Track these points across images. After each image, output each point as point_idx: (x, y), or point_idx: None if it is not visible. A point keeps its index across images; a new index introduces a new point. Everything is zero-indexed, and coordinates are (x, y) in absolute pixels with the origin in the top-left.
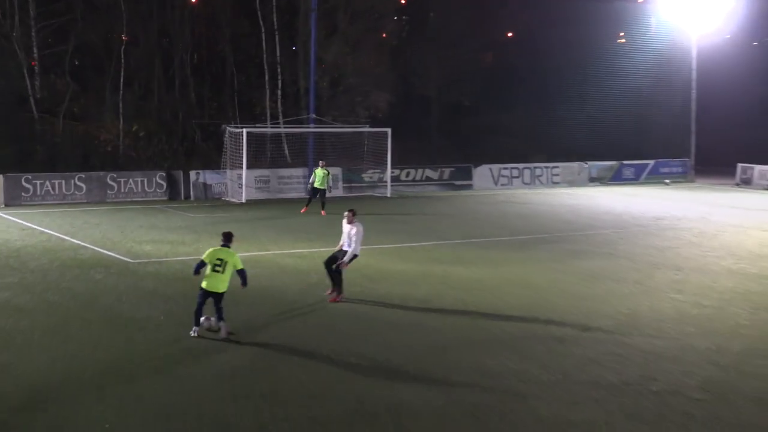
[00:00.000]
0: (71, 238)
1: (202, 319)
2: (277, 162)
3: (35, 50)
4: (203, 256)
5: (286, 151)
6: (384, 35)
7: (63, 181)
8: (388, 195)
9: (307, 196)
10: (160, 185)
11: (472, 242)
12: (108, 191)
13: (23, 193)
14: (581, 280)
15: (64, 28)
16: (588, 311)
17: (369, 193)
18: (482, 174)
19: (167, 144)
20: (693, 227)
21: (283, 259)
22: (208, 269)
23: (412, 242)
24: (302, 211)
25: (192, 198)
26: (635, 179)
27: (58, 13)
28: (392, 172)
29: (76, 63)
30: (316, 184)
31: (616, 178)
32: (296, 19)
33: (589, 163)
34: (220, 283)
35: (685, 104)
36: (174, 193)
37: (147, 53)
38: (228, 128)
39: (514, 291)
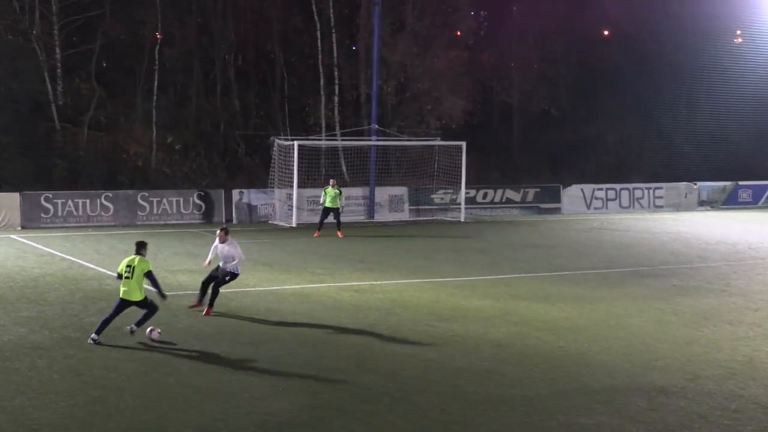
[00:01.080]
0: (96, 266)
1: (147, 330)
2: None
3: (57, 50)
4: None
5: (344, 168)
6: (459, 33)
7: (87, 201)
8: (462, 219)
9: (318, 219)
10: (197, 206)
11: (559, 275)
12: (138, 212)
13: (42, 214)
14: (688, 321)
15: (90, 25)
16: (696, 358)
17: (439, 216)
18: (572, 195)
19: (206, 159)
20: None
21: (338, 294)
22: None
23: (490, 275)
24: (315, 235)
25: (234, 221)
26: (753, 203)
27: (83, 7)
28: (467, 193)
29: (104, 65)
30: (327, 204)
31: (730, 202)
32: (357, 13)
33: (699, 183)
34: (132, 290)
35: None
36: (213, 216)
37: (184, 53)
38: (277, 140)
39: (610, 334)
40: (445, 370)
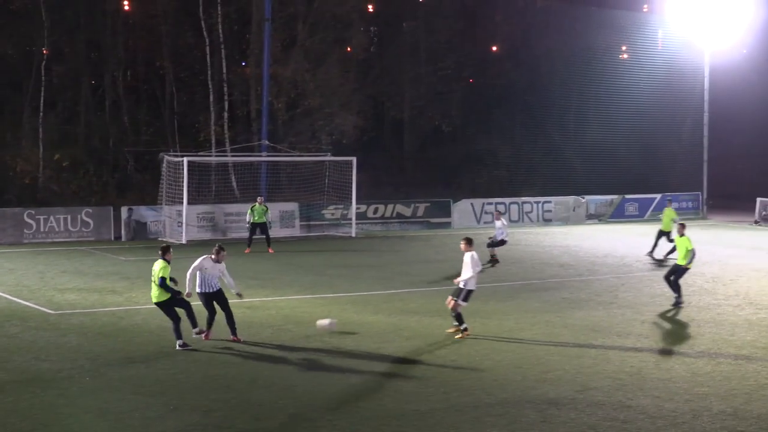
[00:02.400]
0: None
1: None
2: (224, 196)
3: None
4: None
5: (234, 184)
6: (349, 49)
7: None
8: (353, 235)
9: (247, 235)
10: (86, 224)
11: (449, 289)
12: (25, 230)
13: None
14: (578, 333)
15: None
16: (586, 370)
17: (331, 232)
18: (463, 210)
19: (95, 176)
20: (706, 272)
21: (232, 310)
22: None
23: (382, 289)
24: (246, 251)
25: (124, 238)
26: (639, 216)
27: None
28: (358, 208)
29: None
30: (255, 220)
31: (617, 215)
32: (247, 30)
33: (587, 197)
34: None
35: (696, 130)
36: (103, 233)
37: (73, 69)
38: (166, 157)
39: (501, 347)
40: (338, 386)
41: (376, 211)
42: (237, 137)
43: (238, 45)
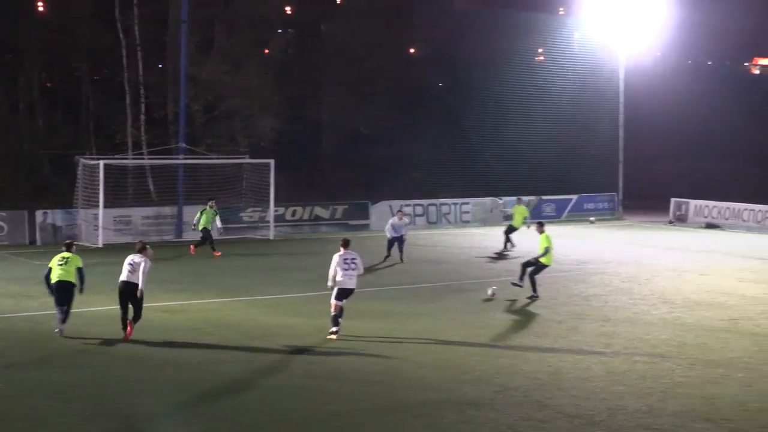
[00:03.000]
0: None
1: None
2: (141, 200)
3: None
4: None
5: (151, 187)
6: (267, 51)
7: None
8: (271, 237)
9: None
10: (0, 227)
11: (371, 292)
12: None
13: None
14: (497, 334)
15: None
16: (505, 370)
17: (249, 235)
18: (381, 212)
19: (9, 179)
20: (622, 272)
21: (149, 314)
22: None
23: (302, 292)
24: (216, 255)
25: (39, 242)
26: (556, 217)
27: None
28: (276, 211)
29: None
30: (204, 224)
31: (534, 216)
32: (164, 31)
33: (504, 198)
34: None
35: (612, 131)
36: (17, 237)
37: None
38: (82, 160)
39: (421, 348)
40: (259, 389)
41: (294, 213)
42: (154, 140)
43: (155, 46)
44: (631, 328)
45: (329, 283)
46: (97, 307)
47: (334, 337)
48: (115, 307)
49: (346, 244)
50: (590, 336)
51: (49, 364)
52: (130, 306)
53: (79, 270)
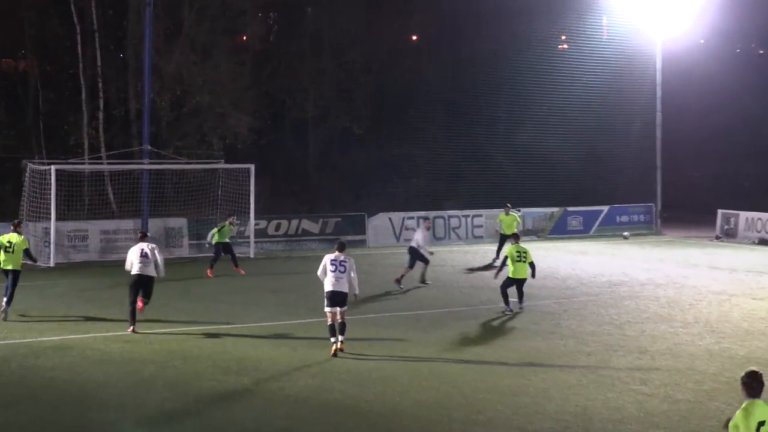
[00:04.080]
0: None
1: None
2: (99, 211)
3: None
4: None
5: (111, 197)
6: (244, 38)
7: None
8: (252, 255)
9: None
10: None
11: (365, 318)
12: None
13: None
14: (514, 368)
15: None
16: (524, 410)
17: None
18: (379, 226)
19: None
20: (661, 295)
21: (107, 345)
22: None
23: (285, 319)
24: (208, 274)
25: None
26: (584, 231)
27: None
28: (256, 224)
29: None
30: (219, 239)
31: (558, 231)
32: (125, 16)
33: (523, 210)
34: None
35: (648, 131)
36: None
37: None
38: (29, 164)
39: (424, 384)
40: None
41: (278, 227)
42: (114, 141)
43: (114, 34)
44: (672, 362)
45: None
46: (48, 337)
47: (334, 348)
48: (69, 337)
49: (341, 248)
50: (624, 370)
51: None
52: None
53: (26, 251)
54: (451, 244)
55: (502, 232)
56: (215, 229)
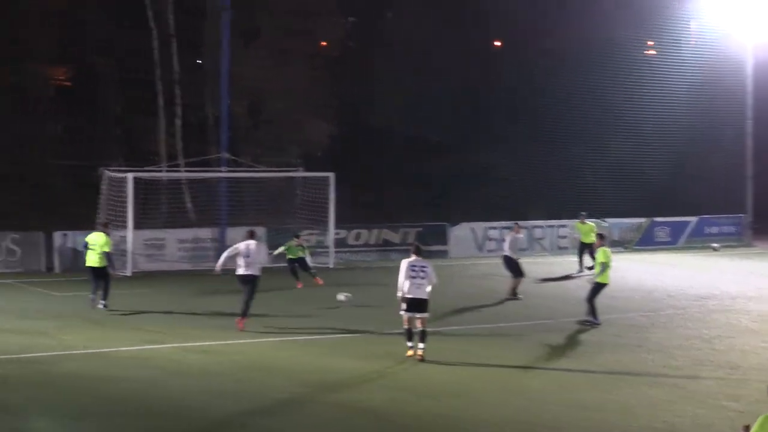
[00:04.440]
0: None
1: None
2: (177, 220)
3: None
4: None
5: (189, 205)
6: (323, 43)
7: None
8: (331, 265)
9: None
10: (11, 252)
11: (445, 331)
12: None
13: None
14: (598, 382)
15: None
16: (609, 426)
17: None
18: (461, 236)
19: (22, 195)
20: (752, 309)
21: (184, 356)
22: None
23: (364, 331)
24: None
25: (57, 269)
26: (671, 243)
27: None
28: (336, 234)
29: None
30: (291, 256)
31: (645, 242)
32: (202, 21)
33: (609, 221)
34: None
35: (738, 140)
36: (31, 263)
37: None
38: (106, 172)
39: (506, 399)
40: None
41: (358, 237)
42: (191, 149)
43: (191, 39)
44: (765, 377)
45: (398, 294)
46: (125, 348)
47: (410, 353)
48: (145, 347)
49: (417, 250)
50: (713, 386)
51: (64, 414)
52: None
53: (107, 254)
54: (535, 255)
55: (582, 240)
56: (284, 246)
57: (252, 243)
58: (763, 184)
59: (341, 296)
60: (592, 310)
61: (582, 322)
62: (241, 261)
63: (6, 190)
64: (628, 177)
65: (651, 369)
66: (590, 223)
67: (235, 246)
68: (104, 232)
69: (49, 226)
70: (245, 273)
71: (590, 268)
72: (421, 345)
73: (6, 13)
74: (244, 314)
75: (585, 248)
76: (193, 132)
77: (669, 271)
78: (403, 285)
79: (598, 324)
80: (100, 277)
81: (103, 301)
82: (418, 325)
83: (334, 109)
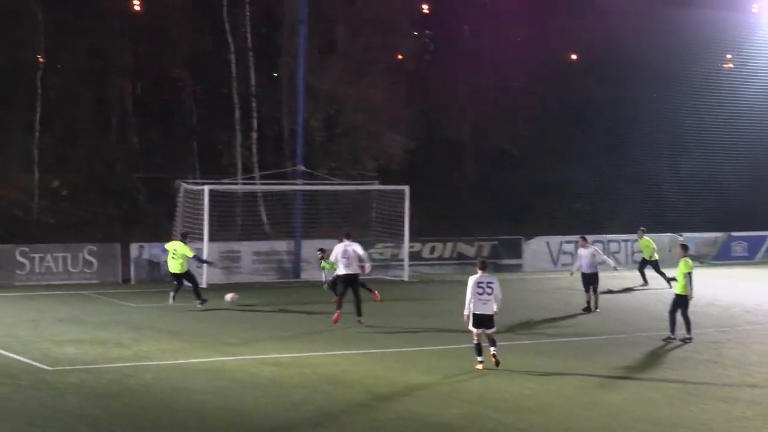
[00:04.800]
0: None
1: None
2: (252, 232)
3: None
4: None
5: (264, 218)
6: (399, 56)
7: None
8: (405, 278)
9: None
10: (88, 263)
11: (519, 345)
12: (17, 271)
13: None
14: (674, 398)
15: None
16: None
17: (379, 275)
18: (536, 250)
19: (100, 206)
20: None
21: (257, 368)
22: None
23: (438, 345)
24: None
25: (133, 281)
26: (749, 257)
27: None
28: (411, 247)
29: None
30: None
31: (722, 256)
32: (278, 34)
33: (685, 235)
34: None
35: None
36: (108, 275)
37: (73, 80)
38: (183, 184)
39: (582, 413)
40: None
41: (432, 250)
42: (266, 161)
43: (267, 52)
44: None
45: (465, 311)
46: (199, 359)
47: (480, 367)
48: (219, 359)
49: (483, 266)
50: None
51: (139, 425)
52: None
53: (195, 257)
54: (610, 269)
55: (644, 257)
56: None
57: (348, 244)
58: None
59: (228, 297)
60: (680, 323)
61: (684, 340)
62: (341, 262)
63: (85, 202)
64: (705, 191)
65: (727, 385)
66: (647, 238)
67: (333, 251)
68: (182, 242)
69: (126, 238)
70: (346, 272)
71: (671, 280)
72: (493, 349)
73: (88, 25)
74: (360, 312)
75: (646, 264)
76: (269, 145)
77: (746, 286)
78: (470, 302)
79: (673, 339)
80: (181, 279)
81: (197, 301)
82: (484, 339)
83: (411, 122)
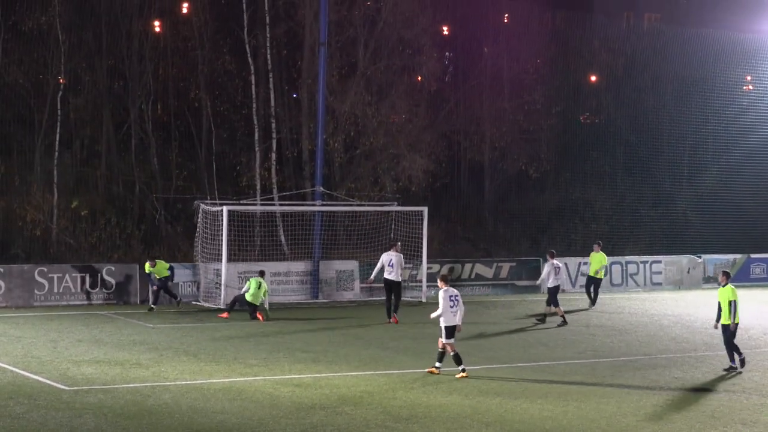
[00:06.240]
0: None
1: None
2: (271, 253)
3: None
4: None
5: (283, 238)
6: (419, 78)
7: None
8: (424, 300)
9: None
10: (107, 283)
11: (539, 366)
12: (35, 291)
13: None
14: (694, 421)
15: None
16: None
17: None
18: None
19: (118, 227)
20: None
21: (276, 389)
22: None
23: (454, 365)
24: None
25: (152, 302)
26: None
27: None
28: (429, 268)
29: None
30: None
31: (741, 278)
32: (298, 55)
33: (704, 256)
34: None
35: None
36: (126, 295)
37: (92, 102)
38: (202, 205)
39: None
40: None
41: (450, 271)
42: (286, 182)
43: (287, 73)
44: None
45: (442, 319)
46: (218, 380)
47: (434, 371)
48: (238, 380)
49: (446, 280)
50: None
51: None
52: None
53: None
54: (629, 290)
55: (590, 273)
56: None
57: (393, 254)
58: None
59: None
60: (732, 353)
61: (729, 369)
62: (387, 268)
63: (104, 222)
64: (724, 212)
65: (746, 408)
66: (602, 253)
67: (380, 260)
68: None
69: (145, 258)
70: (389, 278)
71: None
72: (460, 367)
73: (108, 47)
74: (396, 310)
75: (591, 281)
76: (289, 166)
77: (766, 309)
78: (444, 314)
79: (735, 367)
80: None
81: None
82: (449, 350)
83: (431, 143)
